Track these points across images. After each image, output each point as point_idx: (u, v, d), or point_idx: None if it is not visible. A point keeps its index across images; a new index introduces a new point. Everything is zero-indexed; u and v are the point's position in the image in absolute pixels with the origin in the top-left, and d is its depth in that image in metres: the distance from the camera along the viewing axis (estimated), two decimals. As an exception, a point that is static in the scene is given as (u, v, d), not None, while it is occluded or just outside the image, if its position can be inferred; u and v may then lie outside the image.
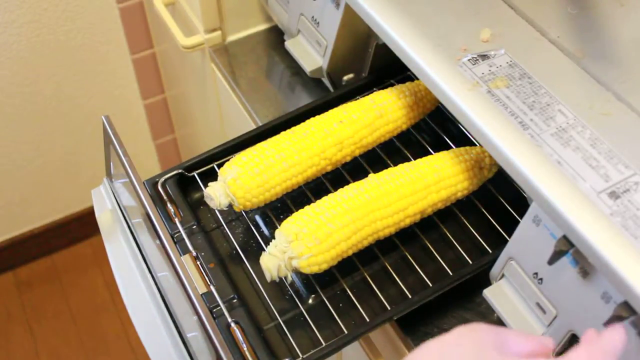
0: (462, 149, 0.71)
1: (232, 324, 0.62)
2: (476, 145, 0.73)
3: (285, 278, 0.64)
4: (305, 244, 0.61)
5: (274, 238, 0.63)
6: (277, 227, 0.69)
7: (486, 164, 0.70)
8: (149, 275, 0.66)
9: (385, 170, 0.68)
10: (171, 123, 1.67)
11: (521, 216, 0.58)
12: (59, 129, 1.52)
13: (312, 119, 0.72)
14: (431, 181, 0.67)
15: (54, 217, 1.69)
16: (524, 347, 0.44)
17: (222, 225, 0.72)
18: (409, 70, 0.63)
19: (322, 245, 0.61)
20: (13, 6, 1.27)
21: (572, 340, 0.55)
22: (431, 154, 0.71)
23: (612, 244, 0.47)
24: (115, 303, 1.65)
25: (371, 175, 0.67)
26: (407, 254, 0.69)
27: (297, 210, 0.65)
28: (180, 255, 0.66)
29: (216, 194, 0.67)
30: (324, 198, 0.65)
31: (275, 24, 0.98)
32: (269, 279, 0.63)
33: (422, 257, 0.69)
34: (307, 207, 0.64)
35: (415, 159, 0.70)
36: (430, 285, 0.65)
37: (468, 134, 0.76)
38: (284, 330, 0.64)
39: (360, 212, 0.63)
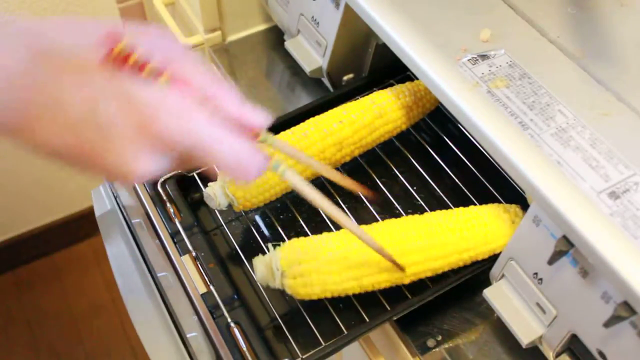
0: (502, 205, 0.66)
1: (232, 324, 0.62)
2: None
3: (285, 278, 0.64)
4: (297, 282, 0.60)
5: (274, 239, 0.63)
6: (276, 227, 0.69)
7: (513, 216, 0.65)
8: (148, 275, 0.66)
9: (403, 225, 0.63)
10: (171, 123, 1.66)
11: (521, 216, 0.58)
12: (59, 129, 1.52)
13: (311, 119, 0.72)
14: (454, 249, 0.63)
15: (54, 217, 1.69)
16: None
17: (222, 226, 0.72)
18: (409, 70, 0.63)
19: (313, 288, 0.60)
20: (13, 6, 1.27)
21: (572, 340, 0.55)
22: (431, 154, 0.70)
23: (612, 244, 0.47)
24: (115, 303, 1.65)
25: (386, 225, 0.63)
26: (407, 254, 0.69)
27: (297, 210, 0.65)
28: (180, 255, 0.66)
29: (216, 194, 0.67)
30: (330, 237, 0.62)
31: (275, 24, 0.98)
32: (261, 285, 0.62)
33: (422, 257, 0.69)
34: (309, 239, 0.62)
35: (415, 161, 0.69)
36: (430, 285, 0.65)
37: (468, 134, 0.76)
38: (284, 330, 0.64)
39: (364, 270, 0.61)
